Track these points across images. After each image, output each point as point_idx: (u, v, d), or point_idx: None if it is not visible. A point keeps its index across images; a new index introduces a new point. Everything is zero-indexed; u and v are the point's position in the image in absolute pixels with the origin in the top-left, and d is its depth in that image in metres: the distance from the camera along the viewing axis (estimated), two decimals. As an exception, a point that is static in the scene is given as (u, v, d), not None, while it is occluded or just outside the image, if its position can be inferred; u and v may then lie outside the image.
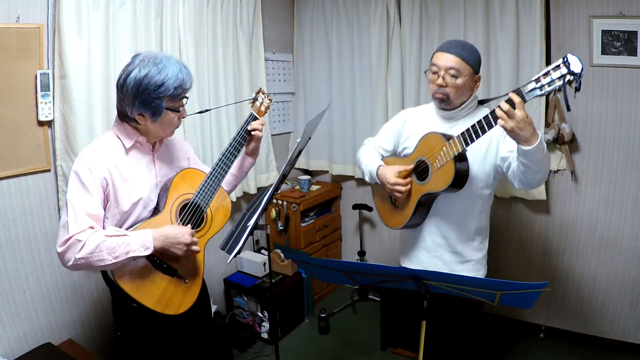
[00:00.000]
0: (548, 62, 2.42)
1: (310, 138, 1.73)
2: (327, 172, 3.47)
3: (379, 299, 3.00)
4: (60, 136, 1.97)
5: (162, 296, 1.41)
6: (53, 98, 1.93)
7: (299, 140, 1.61)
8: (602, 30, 2.28)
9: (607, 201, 2.46)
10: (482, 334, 1.90)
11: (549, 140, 2.42)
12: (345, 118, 3.23)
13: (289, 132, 3.46)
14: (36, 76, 1.87)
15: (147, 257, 1.37)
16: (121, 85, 1.34)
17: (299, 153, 1.67)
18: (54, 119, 1.95)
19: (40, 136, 1.93)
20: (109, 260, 1.27)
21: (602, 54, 2.30)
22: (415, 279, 1.30)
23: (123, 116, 1.40)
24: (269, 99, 1.74)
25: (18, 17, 1.80)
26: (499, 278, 1.20)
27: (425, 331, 1.38)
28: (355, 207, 3.27)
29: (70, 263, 1.26)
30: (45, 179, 1.98)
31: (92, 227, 1.29)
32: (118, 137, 1.41)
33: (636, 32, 2.21)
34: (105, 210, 1.37)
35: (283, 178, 1.64)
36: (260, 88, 1.78)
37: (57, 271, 2.05)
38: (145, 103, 1.33)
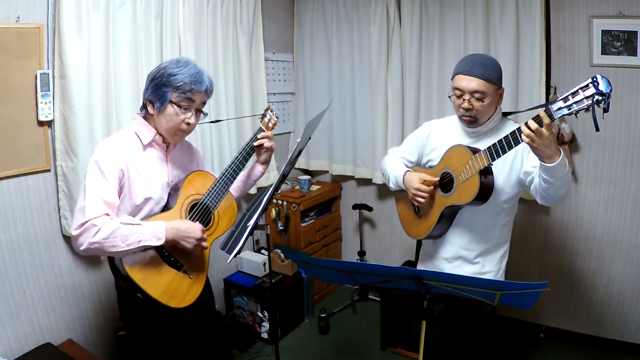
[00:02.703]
0: (548, 62, 2.43)
1: (310, 138, 1.73)
2: (327, 172, 3.47)
3: (379, 299, 3.00)
4: (60, 136, 1.97)
5: (167, 288, 1.44)
6: (53, 98, 1.93)
7: (299, 140, 1.61)
8: (602, 30, 2.28)
9: (607, 201, 2.46)
10: (483, 344, 1.89)
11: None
12: (345, 118, 3.23)
13: (289, 132, 3.46)
14: (36, 76, 1.86)
15: (156, 249, 1.41)
16: (148, 76, 1.47)
17: (299, 153, 1.68)
18: (54, 119, 1.95)
19: (40, 136, 1.93)
20: (122, 247, 1.31)
21: (602, 54, 2.30)
22: (415, 279, 1.30)
23: (143, 108, 1.49)
24: (276, 117, 1.81)
25: (18, 17, 1.80)
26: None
27: (425, 331, 1.38)
28: (355, 207, 3.28)
29: (83, 247, 1.30)
30: (45, 179, 1.98)
31: (107, 214, 1.34)
32: (136, 134, 1.47)
33: (636, 32, 2.21)
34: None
35: (283, 178, 1.65)
36: (269, 106, 1.83)
37: (57, 271, 2.05)
38: (155, 88, 1.42)
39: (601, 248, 2.51)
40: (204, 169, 1.74)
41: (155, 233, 1.36)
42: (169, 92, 1.41)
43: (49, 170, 1.99)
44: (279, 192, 3.09)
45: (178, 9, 2.35)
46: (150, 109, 1.46)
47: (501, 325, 2.77)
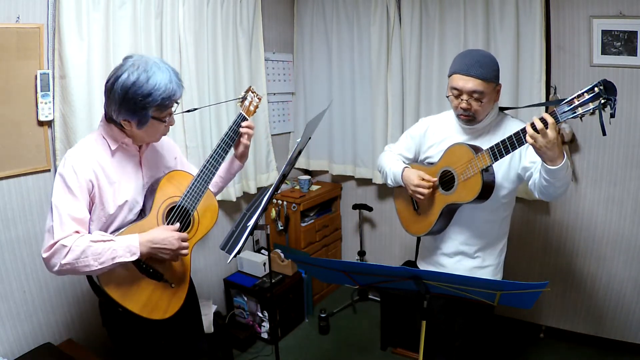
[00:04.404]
0: (548, 62, 2.42)
1: (310, 138, 1.73)
2: (327, 172, 3.47)
3: (379, 299, 3.00)
4: (60, 136, 1.97)
5: (148, 301, 1.39)
6: (53, 98, 1.93)
7: (299, 140, 1.61)
8: (602, 30, 2.28)
9: (607, 201, 2.46)
10: (485, 338, 1.88)
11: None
12: (345, 118, 3.23)
13: (289, 132, 3.46)
14: (36, 76, 1.87)
15: (133, 262, 1.34)
16: (109, 89, 1.29)
17: (299, 153, 1.67)
18: (54, 119, 1.95)
19: (40, 136, 1.93)
20: (95, 266, 1.25)
21: (602, 54, 2.30)
22: (415, 279, 1.30)
23: (110, 118, 1.36)
24: (258, 98, 1.68)
25: (18, 17, 1.80)
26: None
27: (425, 331, 1.38)
28: (355, 207, 3.28)
29: (55, 268, 1.24)
30: (45, 179, 1.98)
31: (77, 232, 1.27)
32: (104, 138, 1.38)
33: (636, 32, 2.21)
34: (90, 213, 1.34)
35: (283, 178, 1.64)
36: (250, 86, 1.73)
37: (57, 271, 2.05)
38: (131, 111, 1.28)
39: (601, 248, 2.51)
40: (183, 163, 1.67)
41: (128, 248, 1.29)
42: (150, 112, 1.30)
43: (49, 170, 1.99)
44: (279, 192, 3.09)
45: (178, 9, 2.35)
46: (126, 126, 1.32)
47: (501, 325, 2.78)
